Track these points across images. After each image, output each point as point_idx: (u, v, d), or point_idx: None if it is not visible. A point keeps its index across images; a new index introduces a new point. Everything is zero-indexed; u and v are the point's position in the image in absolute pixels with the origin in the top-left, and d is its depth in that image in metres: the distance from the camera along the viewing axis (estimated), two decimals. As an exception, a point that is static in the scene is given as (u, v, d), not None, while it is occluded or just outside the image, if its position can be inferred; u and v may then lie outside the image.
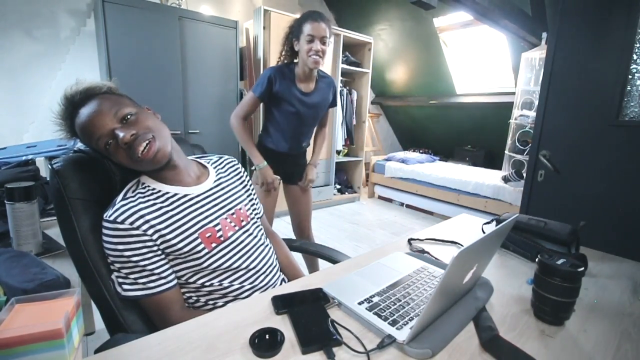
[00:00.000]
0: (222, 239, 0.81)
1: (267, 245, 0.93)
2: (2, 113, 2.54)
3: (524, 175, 2.66)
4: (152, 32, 2.61)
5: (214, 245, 0.79)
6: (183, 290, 0.79)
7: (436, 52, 3.97)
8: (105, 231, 0.70)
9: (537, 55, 3.00)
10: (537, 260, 0.65)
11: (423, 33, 3.89)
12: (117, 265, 0.71)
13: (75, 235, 0.72)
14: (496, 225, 0.88)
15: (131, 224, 0.70)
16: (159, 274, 0.73)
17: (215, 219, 0.82)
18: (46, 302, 0.54)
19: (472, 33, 3.62)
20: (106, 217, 0.70)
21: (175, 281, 0.76)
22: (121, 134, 0.70)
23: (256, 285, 0.84)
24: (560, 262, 0.62)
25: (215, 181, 0.89)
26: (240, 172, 1.00)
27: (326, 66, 3.62)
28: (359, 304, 0.63)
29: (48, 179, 1.25)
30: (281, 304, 0.63)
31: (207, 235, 0.79)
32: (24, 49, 2.55)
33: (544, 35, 2.89)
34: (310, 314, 0.60)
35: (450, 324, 0.58)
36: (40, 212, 0.89)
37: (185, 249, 0.75)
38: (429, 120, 4.87)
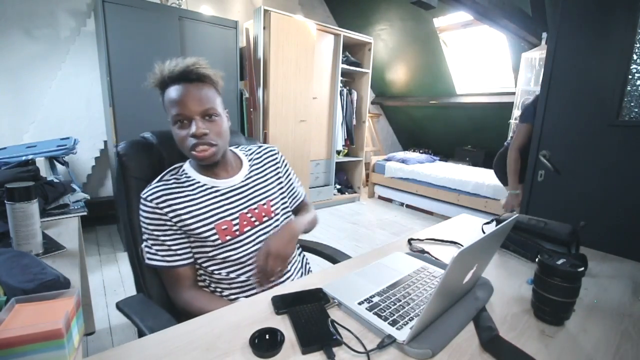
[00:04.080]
0: (237, 232, 0.84)
1: None
2: (2, 113, 2.53)
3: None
4: (152, 32, 2.61)
5: (228, 237, 0.83)
6: (199, 271, 0.86)
7: (436, 52, 3.97)
8: (140, 206, 0.82)
9: (537, 55, 2.99)
10: (537, 260, 0.65)
11: (423, 33, 3.89)
12: (146, 236, 0.82)
13: (126, 208, 0.88)
14: (496, 225, 0.88)
15: (157, 204, 0.79)
16: (175, 250, 0.81)
17: (235, 212, 0.85)
18: (46, 302, 0.54)
19: (472, 33, 3.62)
20: (142, 194, 0.82)
21: (189, 260, 0.82)
22: (195, 127, 0.78)
23: None
24: (560, 262, 0.62)
25: (246, 175, 0.92)
26: (277, 162, 1.00)
27: (326, 66, 3.63)
28: (359, 304, 0.63)
29: (48, 179, 1.25)
30: (281, 304, 0.63)
31: (224, 227, 0.83)
32: (24, 49, 2.54)
33: (544, 35, 2.89)
34: (310, 314, 0.60)
35: (450, 324, 0.58)
36: (40, 212, 0.89)
37: (202, 235, 0.80)
38: (429, 121, 4.87)
